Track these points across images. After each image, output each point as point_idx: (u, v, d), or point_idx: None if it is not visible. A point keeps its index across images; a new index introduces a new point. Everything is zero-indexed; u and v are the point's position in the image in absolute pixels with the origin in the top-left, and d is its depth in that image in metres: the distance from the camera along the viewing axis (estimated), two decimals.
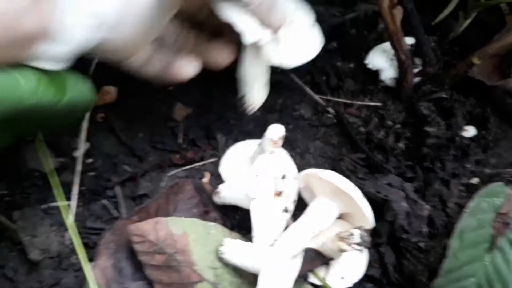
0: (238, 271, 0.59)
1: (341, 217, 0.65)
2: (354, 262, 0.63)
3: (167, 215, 0.62)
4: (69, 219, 0.66)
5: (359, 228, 0.55)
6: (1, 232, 0.66)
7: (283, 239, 0.58)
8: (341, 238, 0.56)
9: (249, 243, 0.59)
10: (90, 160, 0.73)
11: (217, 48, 0.67)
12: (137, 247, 0.59)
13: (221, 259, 0.59)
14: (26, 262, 0.64)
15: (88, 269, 0.58)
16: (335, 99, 0.80)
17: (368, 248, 0.55)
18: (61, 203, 0.66)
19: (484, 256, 0.56)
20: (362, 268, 0.63)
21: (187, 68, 0.64)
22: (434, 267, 0.62)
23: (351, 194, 0.58)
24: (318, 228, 0.61)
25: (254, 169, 0.61)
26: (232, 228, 0.64)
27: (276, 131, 0.63)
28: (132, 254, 0.61)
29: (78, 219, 0.68)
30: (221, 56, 0.67)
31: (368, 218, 0.59)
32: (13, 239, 0.66)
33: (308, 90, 0.80)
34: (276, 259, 0.55)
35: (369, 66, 0.81)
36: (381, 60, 0.81)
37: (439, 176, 0.70)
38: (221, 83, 0.77)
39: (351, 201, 0.59)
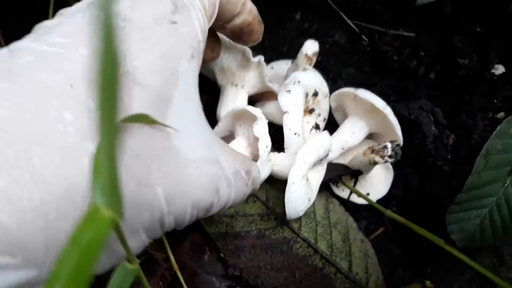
0: (268, 177, 0.60)
1: (370, 137, 0.67)
2: (380, 180, 0.66)
3: None
4: None
5: (391, 141, 0.57)
6: None
7: (307, 143, 0.56)
8: (374, 151, 0.58)
9: (279, 152, 0.60)
10: None
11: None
12: None
13: None
14: None
15: None
16: (370, 26, 0.80)
17: (397, 160, 0.57)
18: None
19: (506, 178, 0.58)
20: (386, 187, 0.66)
21: None
22: (456, 191, 0.64)
23: (384, 111, 0.60)
24: (347, 143, 0.63)
25: (287, 85, 0.62)
26: None
27: (311, 46, 0.64)
28: None
29: None
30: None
31: (398, 135, 0.61)
32: None
33: (344, 16, 0.80)
34: (300, 163, 0.54)
35: None
36: None
37: (466, 108, 0.71)
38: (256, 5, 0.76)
39: (383, 120, 0.61)
